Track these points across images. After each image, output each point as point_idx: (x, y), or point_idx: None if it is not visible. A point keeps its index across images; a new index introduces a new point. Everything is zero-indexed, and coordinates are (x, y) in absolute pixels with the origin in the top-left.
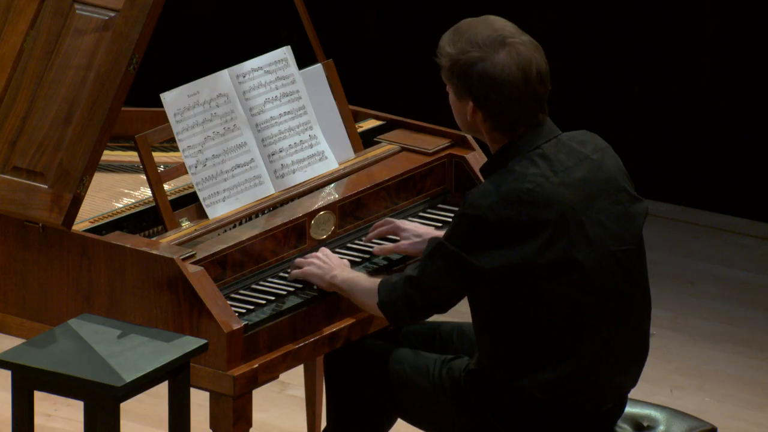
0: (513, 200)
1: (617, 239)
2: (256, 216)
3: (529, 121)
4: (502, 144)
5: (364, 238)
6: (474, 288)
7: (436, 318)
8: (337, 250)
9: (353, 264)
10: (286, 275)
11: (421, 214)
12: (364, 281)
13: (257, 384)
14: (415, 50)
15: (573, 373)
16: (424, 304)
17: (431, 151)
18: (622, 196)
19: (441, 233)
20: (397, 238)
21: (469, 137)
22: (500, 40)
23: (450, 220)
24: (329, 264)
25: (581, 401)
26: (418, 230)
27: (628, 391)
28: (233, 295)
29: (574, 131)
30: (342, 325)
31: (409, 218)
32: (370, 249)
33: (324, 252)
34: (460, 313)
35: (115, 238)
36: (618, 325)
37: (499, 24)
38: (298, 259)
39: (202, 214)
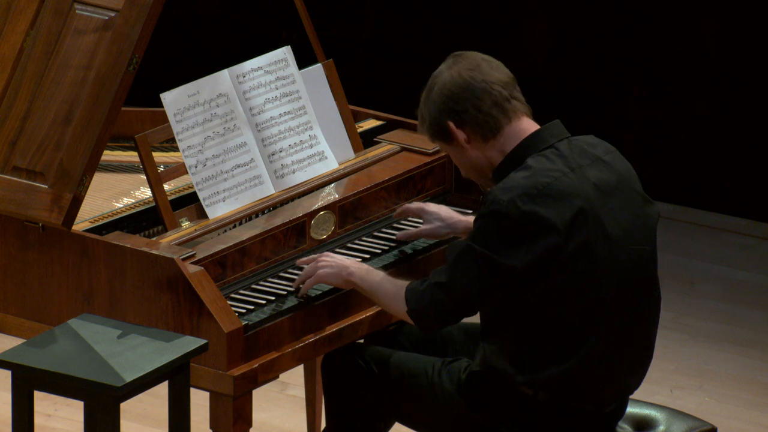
0: (533, 194)
1: (632, 238)
2: (256, 216)
3: (504, 108)
4: (507, 150)
5: (393, 215)
6: (503, 287)
7: None
8: (337, 250)
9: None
10: (287, 275)
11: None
12: (387, 284)
13: (257, 384)
14: (415, 50)
15: (579, 369)
16: (455, 308)
17: (431, 151)
18: (636, 197)
19: (463, 218)
20: (420, 222)
21: None
22: (445, 64)
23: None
24: (338, 262)
25: (585, 401)
26: (440, 213)
27: (631, 393)
28: (233, 295)
29: (582, 135)
30: (342, 325)
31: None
32: (372, 248)
33: (327, 255)
34: None
35: (115, 238)
36: (627, 325)
37: None
38: (306, 269)
39: (202, 214)
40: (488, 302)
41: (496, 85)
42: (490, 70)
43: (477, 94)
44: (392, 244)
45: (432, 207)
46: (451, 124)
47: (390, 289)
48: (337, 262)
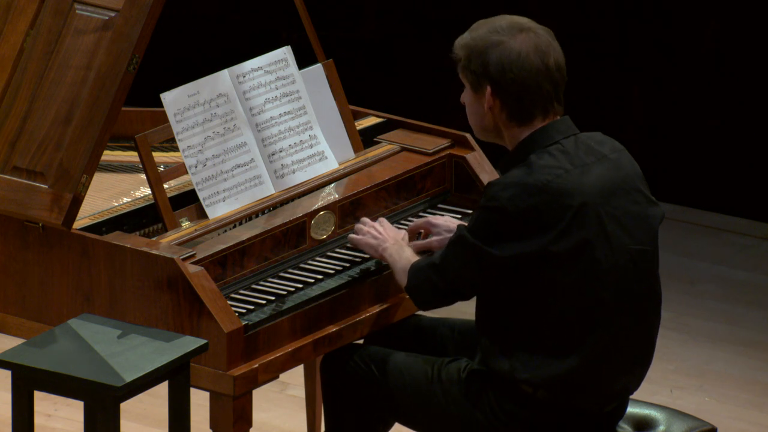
0: (533, 191)
1: (633, 238)
2: (256, 216)
3: (546, 108)
4: (520, 139)
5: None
6: (490, 276)
7: (436, 314)
8: (338, 249)
9: (347, 268)
10: (287, 275)
11: (421, 214)
12: (404, 262)
13: (257, 384)
14: (415, 50)
15: (579, 368)
16: (446, 290)
17: (431, 151)
18: (639, 197)
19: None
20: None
21: (469, 137)
22: (518, 27)
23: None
24: (384, 236)
25: (585, 401)
26: (449, 225)
27: (631, 393)
28: (233, 295)
29: (591, 132)
30: (342, 325)
31: (420, 213)
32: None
33: (382, 222)
34: (461, 312)
35: (115, 238)
36: (628, 325)
37: (516, 17)
38: (358, 225)
39: (202, 214)
40: (482, 292)
41: (548, 84)
42: (553, 64)
43: (528, 85)
44: None
45: (439, 219)
46: (489, 89)
47: (404, 266)
48: (382, 235)
